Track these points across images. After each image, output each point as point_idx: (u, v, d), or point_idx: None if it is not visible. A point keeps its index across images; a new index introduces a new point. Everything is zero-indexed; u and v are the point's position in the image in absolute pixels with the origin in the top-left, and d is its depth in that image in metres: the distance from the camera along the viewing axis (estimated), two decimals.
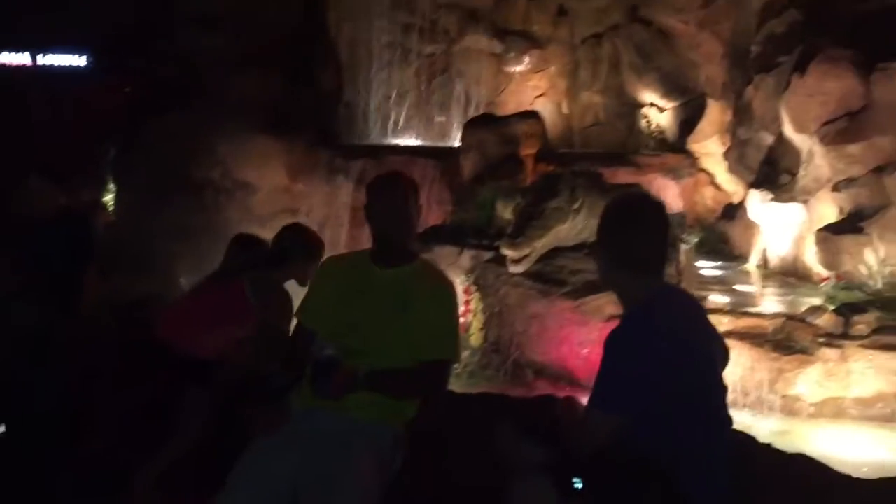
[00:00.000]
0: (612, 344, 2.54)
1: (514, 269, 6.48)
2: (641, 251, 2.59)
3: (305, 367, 2.90)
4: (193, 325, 3.67)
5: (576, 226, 6.59)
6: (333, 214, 10.63)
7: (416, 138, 12.85)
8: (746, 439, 3.17)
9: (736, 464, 2.57)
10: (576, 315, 6.06)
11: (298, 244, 3.90)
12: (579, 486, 2.47)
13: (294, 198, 11.09)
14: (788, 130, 7.87)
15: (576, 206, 6.55)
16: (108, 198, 10.45)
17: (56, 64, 10.98)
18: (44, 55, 10.98)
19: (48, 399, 4.29)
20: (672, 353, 2.46)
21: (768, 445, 3.31)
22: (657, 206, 2.71)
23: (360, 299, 2.96)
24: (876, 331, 5.88)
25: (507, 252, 6.50)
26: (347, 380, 2.73)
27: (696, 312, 2.75)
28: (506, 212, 7.03)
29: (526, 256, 6.45)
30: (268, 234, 10.88)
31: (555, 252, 6.58)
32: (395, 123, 12.92)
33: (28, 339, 4.55)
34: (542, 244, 6.52)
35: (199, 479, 3.14)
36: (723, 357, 2.81)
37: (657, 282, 2.65)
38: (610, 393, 2.48)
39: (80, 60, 11.02)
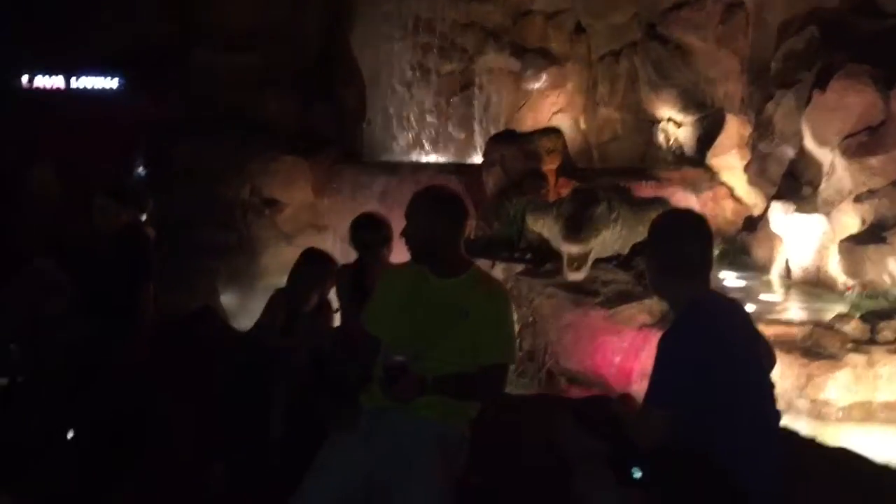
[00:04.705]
0: (665, 344, 2.77)
1: (574, 276, 6.60)
2: (691, 259, 2.84)
3: (374, 369, 3.12)
4: None
5: (613, 235, 6.78)
6: None
7: (438, 155, 13.08)
8: (790, 434, 3.36)
9: (785, 455, 2.77)
10: (609, 324, 6.22)
11: None
12: (638, 475, 2.68)
13: (319, 214, 11.35)
14: (810, 144, 8.04)
15: (614, 215, 6.75)
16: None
17: (89, 86, 11.25)
18: (77, 78, 11.26)
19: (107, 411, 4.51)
20: (721, 351, 2.68)
21: (812, 439, 3.49)
22: (702, 219, 2.99)
23: (422, 308, 3.16)
24: None
25: (572, 249, 6.62)
26: (416, 384, 2.93)
27: (742, 314, 2.97)
28: (536, 225, 7.23)
29: (585, 258, 6.59)
30: (294, 250, 11.14)
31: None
32: (416, 141, 13.16)
33: (81, 354, 4.77)
34: (595, 246, 6.67)
35: (275, 470, 3.37)
36: (768, 356, 3.02)
37: (704, 287, 2.88)
38: (664, 389, 2.69)
39: (111, 83, 11.29)
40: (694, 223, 2.94)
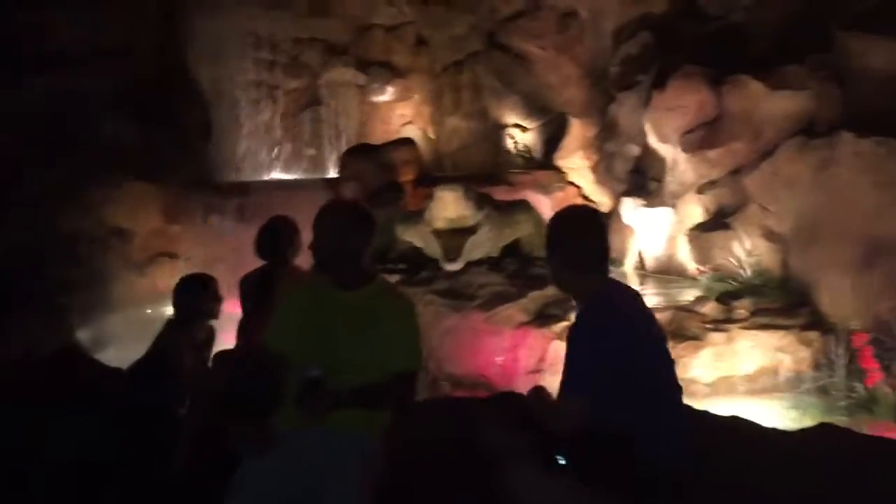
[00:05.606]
0: (575, 334, 2.89)
1: (451, 266, 6.70)
2: (593, 252, 2.97)
3: (284, 388, 3.05)
4: None
5: (482, 236, 6.93)
6: (215, 254, 10.50)
7: (289, 172, 12.89)
8: (687, 407, 3.57)
9: (689, 425, 2.95)
10: (488, 326, 6.37)
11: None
12: (563, 461, 2.77)
13: (171, 241, 10.86)
14: (653, 141, 8.56)
15: (484, 212, 6.91)
16: None
17: None
18: None
19: None
20: (627, 335, 2.83)
21: (706, 412, 3.74)
22: (596, 212, 3.15)
23: (329, 322, 3.13)
24: (754, 314, 6.58)
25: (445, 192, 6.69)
26: (332, 398, 2.89)
27: (639, 300, 3.13)
28: (406, 234, 7.27)
29: (460, 248, 6.69)
30: (147, 280, 10.56)
31: (462, 269, 6.88)
32: (267, 159, 12.91)
33: None
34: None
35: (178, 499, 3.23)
36: (664, 336, 3.20)
37: (604, 277, 3.02)
38: (578, 377, 2.81)
39: None
40: (590, 217, 3.09)
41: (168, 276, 10.35)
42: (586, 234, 2.99)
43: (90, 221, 10.29)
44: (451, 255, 6.66)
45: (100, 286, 9.83)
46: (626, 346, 2.79)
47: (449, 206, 6.84)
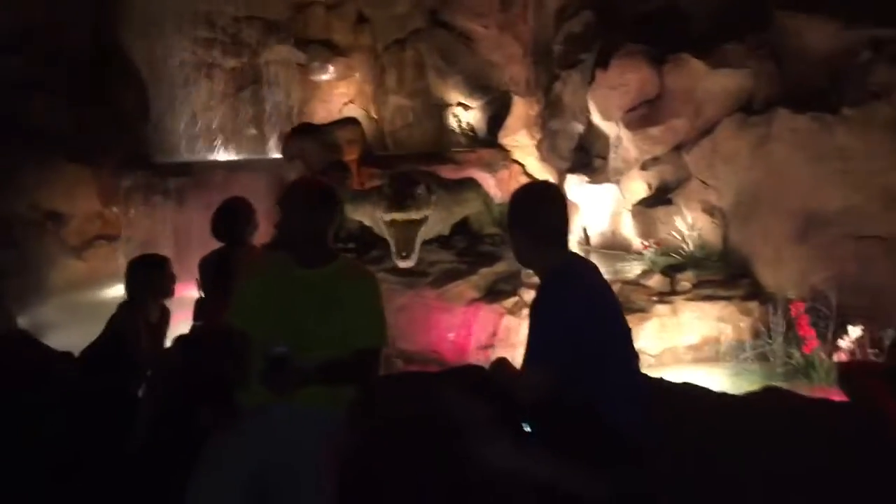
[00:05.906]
0: (538, 306, 2.96)
1: (404, 264, 6.69)
2: (552, 227, 3.03)
3: (248, 364, 3.06)
4: None
5: (434, 217, 6.96)
6: (155, 236, 10.32)
7: (231, 153, 12.69)
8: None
9: (648, 391, 3.06)
10: (440, 302, 6.43)
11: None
12: (528, 429, 2.84)
13: (109, 224, 10.65)
14: (597, 119, 8.70)
15: (434, 197, 6.91)
16: None
17: None
18: None
19: None
20: (588, 306, 2.91)
21: (661, 378, 3.88)
22: (556, 188, 3.22)
23: (293, 300, 3.16)
24: (696, 286, 6.79)
25: (396, 216, 6.74)
26: (297, 375, 2.91)
27: (597, 273, 3.21)
28: (355, 214, 7.24)
29: (412, 245, 6.73)
30: (85, 264, 10.32)
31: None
32: (207, 139, 12.68)
33: None
34: (419, 222, 6.85)
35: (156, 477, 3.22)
36: (621, 308, 3.30)
37: (566, 251, 3.10)
38: (541, 347, 2.88)
39: None
40: (551, 193, 3.16)
41: (107, 260, 10.18)
42: (549, 208, 3.05)
43: (24, 205, 10.03)
44: (404, 252, 6.66)
45: (36, 271, 9.60)
46: (587, 317, 2.87)
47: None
